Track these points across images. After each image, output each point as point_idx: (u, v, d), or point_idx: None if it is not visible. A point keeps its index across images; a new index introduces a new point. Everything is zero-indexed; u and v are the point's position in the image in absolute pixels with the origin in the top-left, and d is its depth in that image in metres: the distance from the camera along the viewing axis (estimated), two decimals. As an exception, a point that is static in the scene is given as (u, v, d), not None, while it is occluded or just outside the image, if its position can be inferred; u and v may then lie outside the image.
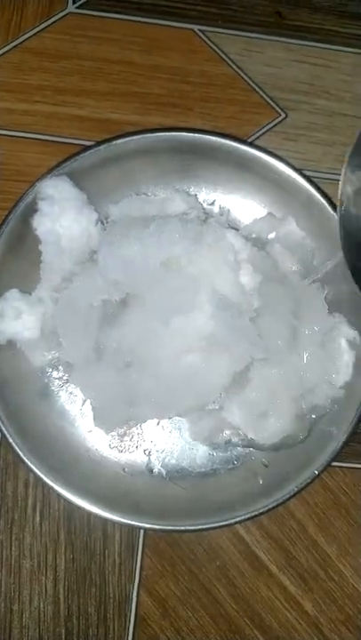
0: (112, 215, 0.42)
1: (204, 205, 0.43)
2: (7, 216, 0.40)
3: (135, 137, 0.41)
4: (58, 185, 0.40)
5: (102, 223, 0.41)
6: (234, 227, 0.42)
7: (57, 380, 0.41)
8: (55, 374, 0.41)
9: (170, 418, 0.41)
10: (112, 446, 0.41)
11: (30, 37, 0.47)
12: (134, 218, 0.40)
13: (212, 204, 0.44)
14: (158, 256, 0.37)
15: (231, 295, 0.38)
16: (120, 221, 0.41)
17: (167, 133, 0.42)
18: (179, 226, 0.38)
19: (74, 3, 0.48)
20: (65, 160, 0.41)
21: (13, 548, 0.41)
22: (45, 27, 0.47)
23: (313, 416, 0.40)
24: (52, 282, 0.39)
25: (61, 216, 0.39)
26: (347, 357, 0.40)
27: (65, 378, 0.41)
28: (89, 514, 0.38)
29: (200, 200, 0.43)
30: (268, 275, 0.40)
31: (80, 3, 0.48)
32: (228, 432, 0.40)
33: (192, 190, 0.43)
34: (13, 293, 0.38)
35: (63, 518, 0.42)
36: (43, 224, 0.39)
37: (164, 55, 0.48)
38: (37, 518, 0.42)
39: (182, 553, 0.42)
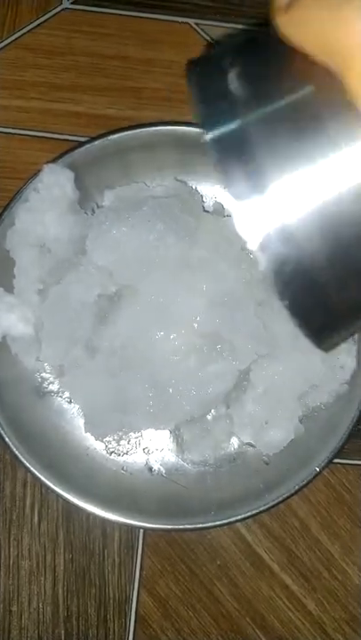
0: (106, 199, 0.41)
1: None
2: (1, 214, 0.39)
3: (131, 132, 0.41)
4: (60, 177, 0.39)
5: (93, 211, 0.40)
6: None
7: (54, 379, 0.41)
8: (51, 373, 0.41)
9: (167, 429, 0.40)
10: (110, 451, 0.40)
11: (25, 34, 0.47)
12: (127, 201, 0.39)
13: (209, 199, 0.43)
14: (150, 239, 0.36)
15: (234, 287, 0.38)
16: (112, 204, 0.40)
17: (164, 127, 0.41)
18: (175, 209, 0.37)
19: (68, -2, 0.47)
20: (61, 155, 0.40)
21: (12, 548, 0.41)
22: (40, 23, 0.47)
23: (315, 413, 0.39)
24: (30, 283, 0.38)
25: (47, 213, 0.38)
26: (349, 352, 0.39)
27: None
28: (88, 514, 0.38)
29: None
30: None
31: (75, -2, 0.47)
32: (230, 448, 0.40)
33: (191, 184, 0.43)
34: (0, 291, 0.38)
35: (62, 518, 0.41)
36: (23, 220, 0.38)
37: (159, 49, 0.47)
38: (36, 518, 0.41)
39: (183, 552, 0.41)
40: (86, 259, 0.37)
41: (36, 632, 0.40)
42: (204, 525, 0.37)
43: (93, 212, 0.41)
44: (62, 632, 0.40)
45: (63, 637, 0.40)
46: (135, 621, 0.41)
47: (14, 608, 0.41)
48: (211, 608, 0.41)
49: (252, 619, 0.41)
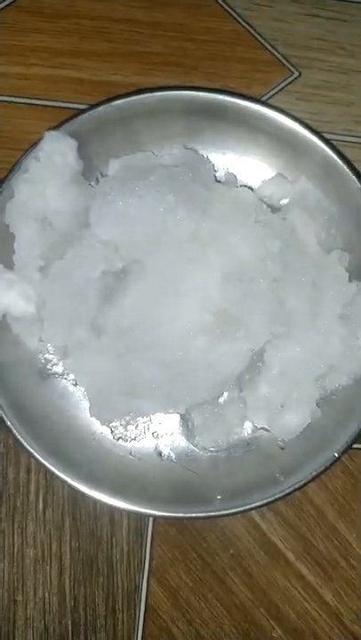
0: (111, 169, 0.38)
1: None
2: (0, 185, 0.37)
3: (136, 97, 0.39)
4: (62, 145, 0.37)
5: (97, 181, 0.38)
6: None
7: (57, 361, 0.39)
8: (55, 354, 0.39)
9: (177, 413, 0.38)
10: (117, 437, 0.38)
11: (24, -4, 0.44)
12: (133, 169, 0.37)
13: (220, 169, 0.41)
14: (160, 212, 0.34)
15: (248, 262, 0.36)
16: (117, 174, 0.37)
17: (171, 92, 0.39)
18: (185, 178, 0.35)
19: None
20: (63, 122, 0.38)
21: (16, 536, 0.39)
22: (41, -16, 0.45)
23: (333, 396, 0.38)
24: (31, 259, 0.36)
25: (48, 184, 0.36)
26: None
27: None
28: (95, 500, 0.36)
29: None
30: (286, 240, 0.37)
31: None
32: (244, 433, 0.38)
33: (201, 153, 0.41)
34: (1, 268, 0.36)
35: (68, 505, 0.40)
36: (23, 191, 0.36)
37: (167, 12, 0.45)
38: (41, 505, 0.40)
39: (194, 540, 0.40)
40: (90, 232, 0.35)
41: (42, 622, 0.39)
42: (216, 513, 0.36)
43: (97, 182, 0.39)
44: (69, 622, 0.39)
45: (70, 627, 0.39)
46: (145, 612, 0.39)
47: (19, 597, 0.39)
48: (223, 598, 0.40)
49: (267, 609, 0.40)
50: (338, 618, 0.40)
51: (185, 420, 0.39)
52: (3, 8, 0.44)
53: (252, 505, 0.36)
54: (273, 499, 0.36)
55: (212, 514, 0.36)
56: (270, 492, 0.36)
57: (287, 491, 0.35)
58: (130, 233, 0.34)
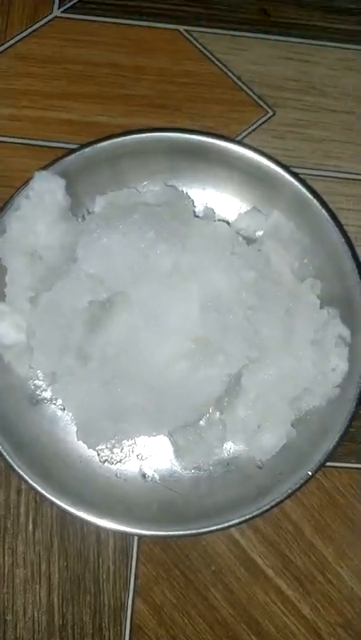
0: (97, 206, 0.41)
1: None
2: (-7, 221, 0.39)
3: (122, 138, 0.41)
4: (51, 184, 0.39)
5: (84, 217, 0.41)
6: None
7: (46, 387, 0.41)
8: (44, 381, 0.41)
9: (161, 434, 0.40)
10: (103, 459, 0.39)
11: (16, 43, 0.47)
12: (118, 207, 0.39)
13: (199, 204, 0.43)
14: (142, 247, 0.36)
15: (225, 292, 0.38)
16: (102, 211, 0.40)
17: (154, 134, 0.41)
18: (165, 215, 0.37)
19: (59, 7, 0.48)
20: (52, 162, 0.41)
21: (6, 556, 0.41)
22: (31, 32, 0.47)
23: (308, 417, 0.39)
24: (21, 290, 0.38)
25: (38, 221, 0.38)
26: (340, 354, 0.39)
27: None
28: (82, 521, 0.38)
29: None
30: (261, 271, 0.39)
31: (66, 7, 0.48)
32: (222, 455, 0.40)
33: (181, 189, 0.43)
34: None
35: (56, 525, 0.41)
36: (14, 228, 0.38)
37: (149, 56, 0.47)
38: (30, 526, 0.41)
39: (177, 558, 0.41)
40: (77, 266, 0.37)
41: (32, 641, 0.40)
42: (198, 531, 0.37)
43: (84, 218, 0.41)
44: (58, 640, 0.40)
45: (58, 646, 0.40)
46: (130, 629, 0.40)
47: (9, 617, 0.40)
48: (206, 614, 0.41)
49: (248, 624, 0.41)
50: (315, 631, 0.41)
51: (168, 442, 0.40)
52: (-5, 55, 0.47)
53: (233, 522, 0.37)
54: (252, 516, 0.37)
55: (194, 532, 0.37)
56: (249, 509, 0.37)
57: (265, 508, 0.37)
58: (114, 267, 0.36)
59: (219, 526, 0.37)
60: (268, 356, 0.38)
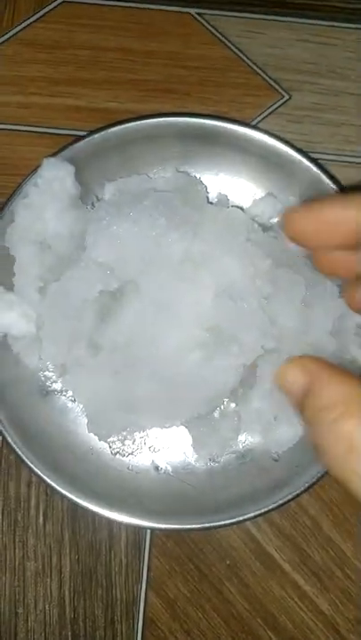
0: (107, 193, 0.40)
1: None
2: (1, 210, 0.39)
3: (132, 124, 0.40)
4: (60, 171, 0.38)
5: (93, 205, 0.40)
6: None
7: (57, 378, 0.40)
8: (54, 372, 0.40)
9: (174, 426, 0.39)
10: (114, 451, 0.39)
11: (24, 29, 0.46)
12: (128, 194, 0.38)
13: (213, 190, 0.42)
14: (153, 235, 0.35)
15: (239, 280, 0.37)
16: (112, 198, 0.39)
17: (165, 119, 0.40)
18: (177, 202, 0.36)
19: (67, -9, 0.47)
20: (60, 149, 0.40)
21: (17, 549, 0.40)
22: (39, 17, 0.46)
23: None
24: (30, 280, 0.37)
25: (47, 209, 0.37)
26: (360, 345, 0.38)
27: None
28: (94, 514, 0.37)
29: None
30: (277, 258, 0.38)
31: (73, -10, 0.47)
32: (239, 446, 0.39)
33: (194, 175, 0.42)
34: (0, 290, 0.37)
35: (67, 518, 0.41)
36: (23, 216, 0.37)
37: (160, 40, 0.46)
38: (41, 519, 0.41)
39: (191, 552, 0.40)
40: (86, 255, 0.36)
41: (43, 634, 0.40)
42: (212, 525, 0.36)
43: (93, 206, 0.40)
44: (69, 634, 0.40)
45: (70, 639, 0.40)
46: (143, 623, 0.40)
47: (20, 610, 0.40)
48: (221, 609, 0.40)
49: (264, 619, 0.40)
50: (334, 627, 0.40)
51: (181, 433, 0.39)
52: (3, 42, 0.46)
53: (248, 516, 0.36)
54: (268, 509, 0.36)
55: (208, 525, 0.36)
56: (265, 502, 0.36)
57: (281, 502, 0.36)
58: (124, 256, 0.35)
59: (234, 520, 0.36)
60: (285, 346, 0.37)
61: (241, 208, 0.41)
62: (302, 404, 0.25)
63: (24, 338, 0.38)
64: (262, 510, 0.36)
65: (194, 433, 0.39)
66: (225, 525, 0.36)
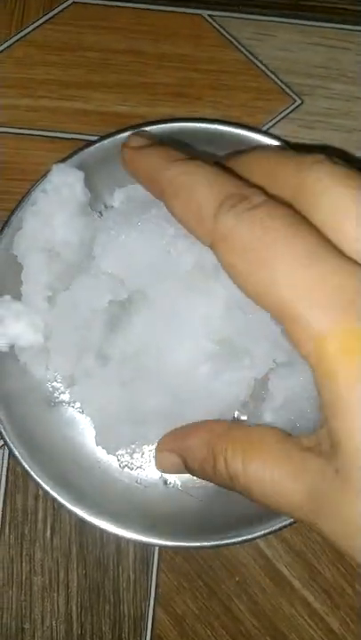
0: (116, 199, 0.39)
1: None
2: (9, 217, 0.38)
3: (143, 129, 0.39)
4: (69, 177, 0.38)
5: (101, 213, 0.39)
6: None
7: (65, 389, 0.39)
8: (62, 383, 0.39)
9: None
10: (122, 465, 0.38)
11: (33, 30, 0.45)
12: (136, 202, 0.38)
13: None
14: (161, 245, 0.34)
15: None
16: (120, 206, 0.38)
17: (176, 124, 0.40)
18: None
19: (77, -8, 0.46)
20: (70, 155, 0.39)
21: (24, 563, 0.40)
22: (49, 18, 0.46)
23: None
24: (38, 289, 0.37)
25: (56, 216, 0.36)
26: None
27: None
28: (101, 529, 0.36)
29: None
30: None
31: (84, -9, 0.46)
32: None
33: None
34: (8, 299, 0.37)
35: (75, 533, 0.40)
36: (31, 223, 0.36)
37: (171, 43, 0.46)
38: (48, 533, 0.40)
39: (199, 568, 0.40)
40: (95, 265, 0.35)
41: (50, 650, 0.39)
42: (222, 542, 0.36)
43: (101, 214, 0.39)
44: (76, 650, 0.39)
45: (77, 656, 0.39)
46: (151, 639, 0.39)
47: (27, 626, 0.39)
48: (229, 626, 0.39)
49: (273, 637, 0.39)
50: (345, 647, 0.39)
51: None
52: (12, 43, 0.46)
53: (259, 533, 0.35)
54: (280, 526, 0.35)
55: (218, 543, 0.36)
56: (277, 519, 0.36)
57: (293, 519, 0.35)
58: (133, 265, 0.35)
59: (245, 537, 0.35)
60: (298, 360, 0.36)
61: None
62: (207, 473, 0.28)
63: (31, 348, 0.38)
64: (274, 527, 0.35)
65: None
66: (235, 543, 0.36)
